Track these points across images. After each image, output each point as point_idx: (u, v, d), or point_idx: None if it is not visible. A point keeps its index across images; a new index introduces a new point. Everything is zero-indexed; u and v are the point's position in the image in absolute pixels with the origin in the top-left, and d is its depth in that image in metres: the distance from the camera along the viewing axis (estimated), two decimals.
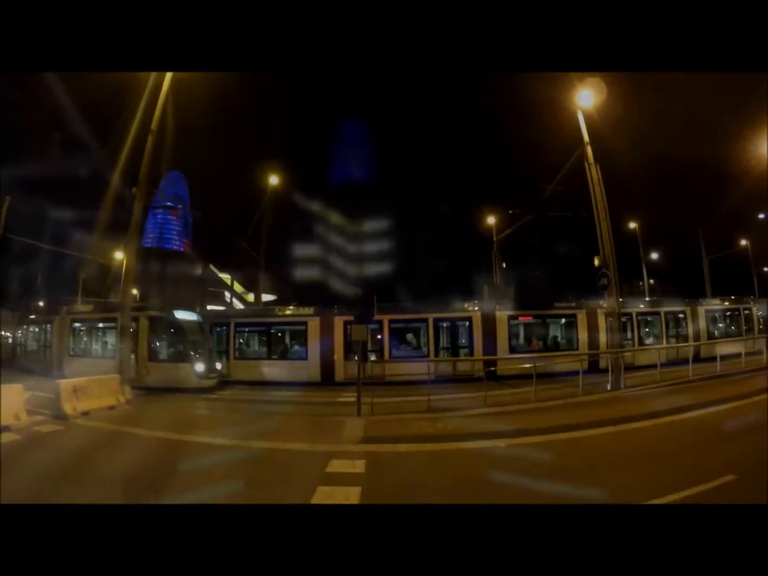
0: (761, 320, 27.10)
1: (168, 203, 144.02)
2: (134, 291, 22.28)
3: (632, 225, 36.66)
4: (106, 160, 21.56)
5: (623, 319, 22.24)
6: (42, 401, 13.11)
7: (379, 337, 21.51)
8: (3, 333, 58.22)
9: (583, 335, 21.95)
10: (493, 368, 18.55)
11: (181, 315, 19.95)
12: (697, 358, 20.53)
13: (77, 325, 23.26)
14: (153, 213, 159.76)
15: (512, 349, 21.68)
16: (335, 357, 20.75)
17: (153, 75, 15.91)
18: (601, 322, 21.98)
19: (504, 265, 31.65)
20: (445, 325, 22.35)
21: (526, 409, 12.19)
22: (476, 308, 21.80)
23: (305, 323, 21.58)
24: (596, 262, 16.40)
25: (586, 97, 16.64)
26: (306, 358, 21.13)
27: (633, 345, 22.43)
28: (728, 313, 26.95)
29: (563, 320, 23.21)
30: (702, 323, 24.81)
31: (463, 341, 22.25)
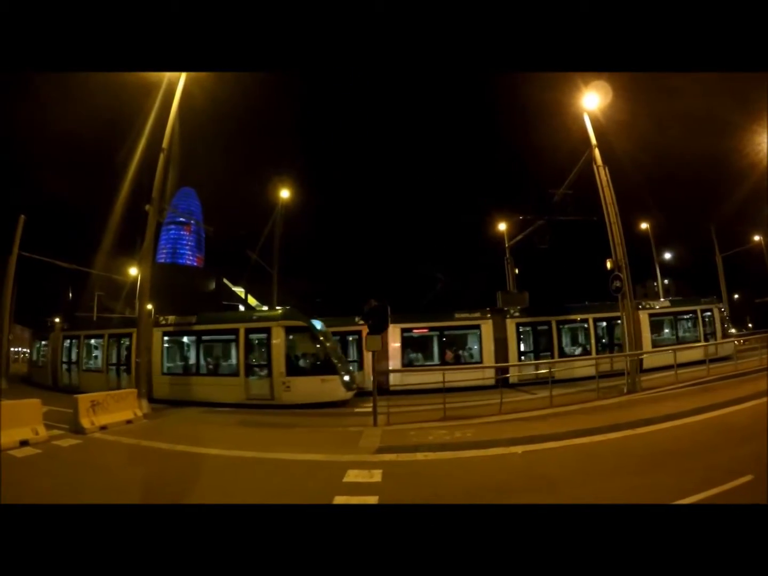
0: (728, 323, 25.09)
1: (181, 219, 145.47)
2: (149, 306, 21.83)
3: (644, 225, 36.43)
4: (118, 179, 21.87)
5: (544, 327, 21.90)
6: (60, 416, 13.24)
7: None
8: (21, 349, 59.01)
9: (488, 347, 21.05)
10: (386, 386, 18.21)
11: (316, 324, 18.44)
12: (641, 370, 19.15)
13: (171, 339, 20.51)
14: (166, 229, 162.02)
15: (409, 363, 21.19)
16: None
17: (161, 93, 16.16)
18: (511, 331, 21.16)
19: (517, 271, 31.50)
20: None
21: (542, 415, 12.11)
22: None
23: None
24: (608, 265, 16.32)
25: (593, 99, 16.67)
26: None
27: (552, 357, 21.11)
28: (685, 317, 24.63)
29: (469, 331, 22.07)
30: (645, 329, 22.28)
31: (354, 357, 21.68)
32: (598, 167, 16.67)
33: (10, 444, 10.15)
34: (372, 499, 6.35)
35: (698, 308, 24.38)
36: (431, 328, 22.02)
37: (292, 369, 17.40)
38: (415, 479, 7.59)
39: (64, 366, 24.43)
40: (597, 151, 16.77)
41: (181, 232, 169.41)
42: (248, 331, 18.22)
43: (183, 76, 16.29)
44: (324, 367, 17.28)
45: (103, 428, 12.49)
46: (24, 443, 10.45)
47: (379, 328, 12.91)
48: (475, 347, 21.81)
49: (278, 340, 17.50)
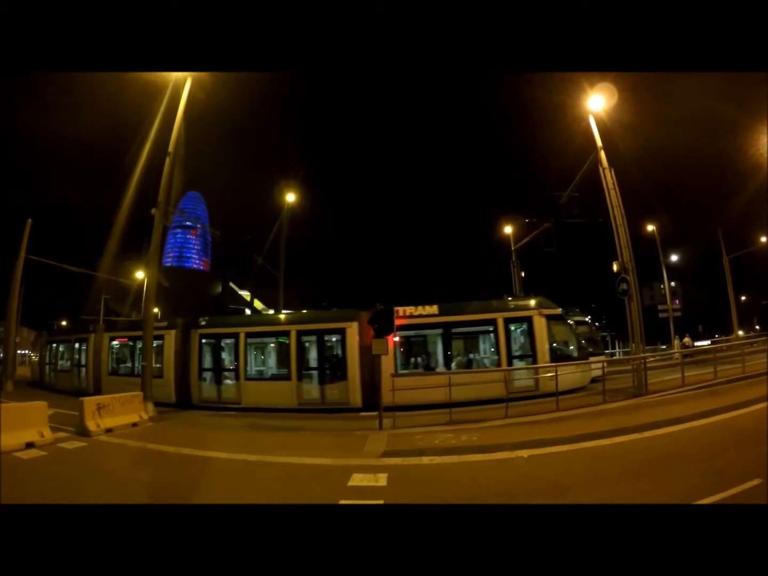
0: (595, 335, 21.88)
1: (187, 223, 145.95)
2: (156, 310, 21.63)
3: (650, 228, 36.26)
4: (124, 182, 21.92)
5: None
6: (66, 418, 13.35)
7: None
8: (27, 352, 59.33)
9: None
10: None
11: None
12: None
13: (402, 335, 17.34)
14: (173, 233, 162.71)
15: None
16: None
17: (167, 96, 16.23)
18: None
19: (523, 274, 31.45)
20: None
21: (549, 419, 12.06)
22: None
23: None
24: (615, 267, 16.26)
25: (598, 101, 16.65)
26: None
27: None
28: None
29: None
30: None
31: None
32: (603, 169, 16.62)
33: (16, 446, 10.22)
34: (377, 503, 6.32)
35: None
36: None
37: (560, 359, 16.54)
38: (421, 483, 7.56)
39: (207, 375, 19.16)
40: (603, 154, 16.74)
41: (188, 236, 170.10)
42: (507, 321, 16.95)
43: (189, 80, 16.37)
44: (577, 353, 17.39)
45: (108, 431, 12.54)
46: (30, 445, 10.52)
47: (385, 332, 12.91)
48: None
49: (541, 329, 16.77)
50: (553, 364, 15.59)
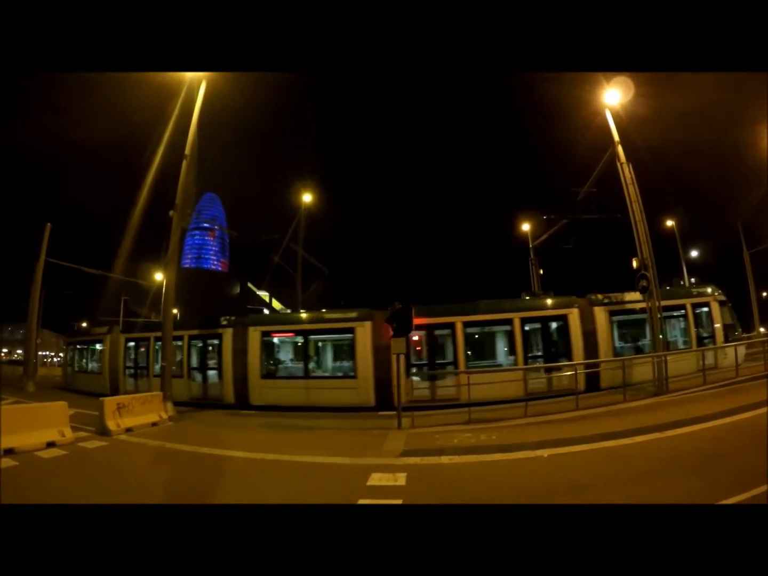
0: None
1: (205, 224, 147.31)
2: (174, 311, 21.48)
3: (669, 223, 35.77)
4: (141, 185, 22.11)
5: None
6: (86, 418, 13.53)
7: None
8: (48, 353, 60.11)
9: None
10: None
11: None
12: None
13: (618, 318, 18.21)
14: (191, 234, 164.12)
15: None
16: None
17: (181, 99, 16.34)
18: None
19: (541, 272, 31.17)
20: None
21: (569, 418, 11.95)
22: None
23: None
24: (634, 263, 16.06)
25: (614, 95, 16.46)
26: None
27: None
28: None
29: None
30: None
31: None
32: (621, 164, 16.42)
33: (37, 445, 10.40)
34: (396, 503, 6.30)
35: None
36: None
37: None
38: (440, 483, 7.52)
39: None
40: (620, 148, 16.54)
41: (206, 238, 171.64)
42: (694, 306, 18.76)
43: (204, 83, 16.48)
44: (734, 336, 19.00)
45: (128, 430, 12.70)
46: (51, 444, 10.67)
47: (404, 331, 12.83)
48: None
49: (717, 313, 18.65)
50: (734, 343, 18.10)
